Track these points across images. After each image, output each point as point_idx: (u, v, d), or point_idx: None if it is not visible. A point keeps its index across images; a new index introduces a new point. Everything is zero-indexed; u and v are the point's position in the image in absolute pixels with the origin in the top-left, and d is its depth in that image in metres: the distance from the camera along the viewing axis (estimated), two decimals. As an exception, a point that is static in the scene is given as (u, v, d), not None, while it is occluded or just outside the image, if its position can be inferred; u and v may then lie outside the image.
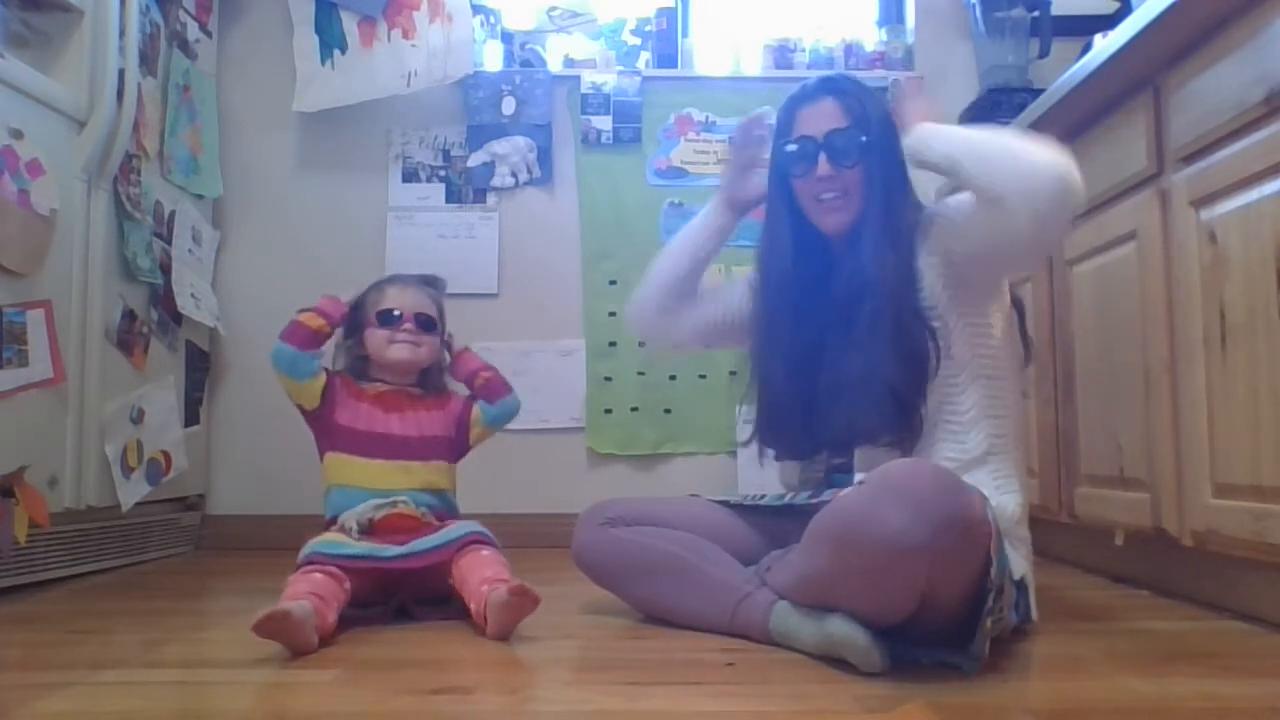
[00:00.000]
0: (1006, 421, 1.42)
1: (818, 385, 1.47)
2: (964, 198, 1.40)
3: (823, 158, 1.45)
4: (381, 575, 1.59)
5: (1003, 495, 1.37)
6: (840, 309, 1.45)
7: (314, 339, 1.68)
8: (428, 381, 1.79)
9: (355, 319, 1.76)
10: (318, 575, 1.46)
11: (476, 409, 1.77)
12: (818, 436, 1.50)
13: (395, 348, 1.71)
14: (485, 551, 1.57)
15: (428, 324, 1.74)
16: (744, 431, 1.62)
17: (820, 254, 1.51)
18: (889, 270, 1.39)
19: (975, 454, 1.38)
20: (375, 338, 1.72)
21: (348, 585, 1.49)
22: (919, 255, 1.43)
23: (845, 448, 1.47)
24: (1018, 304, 1.52)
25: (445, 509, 1.72)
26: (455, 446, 1.78)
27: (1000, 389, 1.42)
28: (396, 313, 1.71)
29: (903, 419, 1.38)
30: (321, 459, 1.72)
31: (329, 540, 1.55)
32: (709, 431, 2.79)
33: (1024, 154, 1.29)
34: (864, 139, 1.44)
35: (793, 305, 1.51)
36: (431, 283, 1.82)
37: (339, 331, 1.75)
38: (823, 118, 1.47)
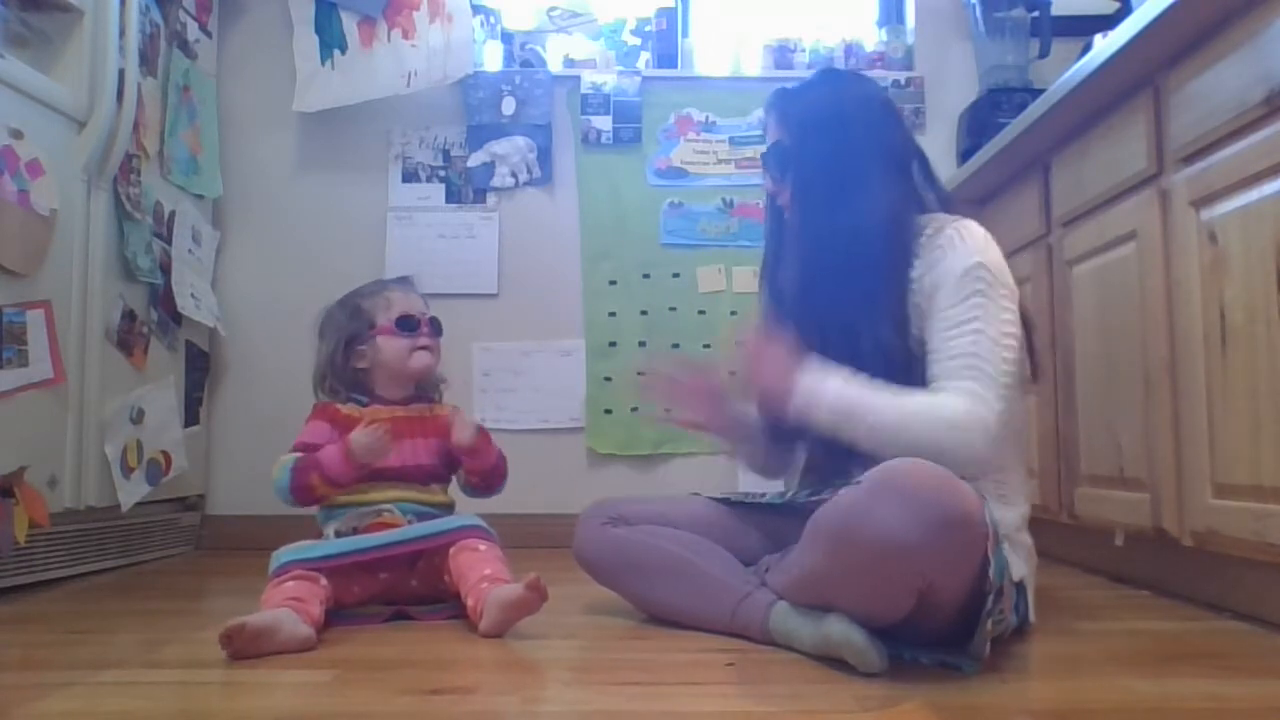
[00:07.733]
0: (1010, 448, 1.41)
1: None
2: (945, 273, 1.34)
3: (764, 175, 1.52)
4: (378, 581, 1.58)
5: (1004, 507, 1.37)
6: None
7: (320, 500, 1.63)
8: (422, 388, 1.77)
9: (349, 330, 1.69)
10: (289, 583, 1.44)
11: (461, 473, 1.73)
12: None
13: (417, 356, 1.68)
14: (483, 547, 1.56)
15: (438, 327, 1.72)
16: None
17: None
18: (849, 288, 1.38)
19: (979, 479, 1.37)
20: (394, 347, 1.67)
21: (324, 582, 1.47)
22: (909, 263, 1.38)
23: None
24: (1026, 321, 1.39)
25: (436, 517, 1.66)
26: (445, 472, 1.73)
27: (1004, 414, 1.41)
28: (416, 319, 1.67)
29: None
30: None
31: (300, 546, 1.53)
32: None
33: (927, 443, 1.24)
34: (784, 150, 1.46)
35: (783, 312, 1.51)
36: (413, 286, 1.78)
37: (327, 344, 1.71)
38: (769, 134, 1.52)
